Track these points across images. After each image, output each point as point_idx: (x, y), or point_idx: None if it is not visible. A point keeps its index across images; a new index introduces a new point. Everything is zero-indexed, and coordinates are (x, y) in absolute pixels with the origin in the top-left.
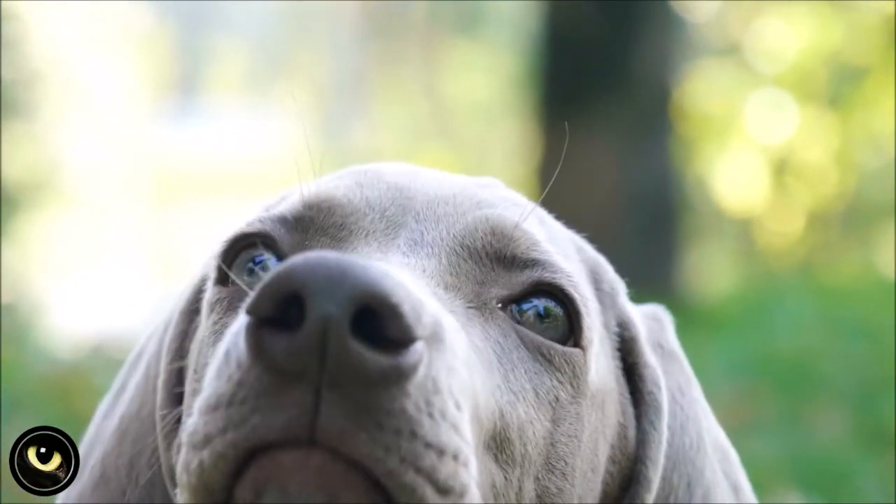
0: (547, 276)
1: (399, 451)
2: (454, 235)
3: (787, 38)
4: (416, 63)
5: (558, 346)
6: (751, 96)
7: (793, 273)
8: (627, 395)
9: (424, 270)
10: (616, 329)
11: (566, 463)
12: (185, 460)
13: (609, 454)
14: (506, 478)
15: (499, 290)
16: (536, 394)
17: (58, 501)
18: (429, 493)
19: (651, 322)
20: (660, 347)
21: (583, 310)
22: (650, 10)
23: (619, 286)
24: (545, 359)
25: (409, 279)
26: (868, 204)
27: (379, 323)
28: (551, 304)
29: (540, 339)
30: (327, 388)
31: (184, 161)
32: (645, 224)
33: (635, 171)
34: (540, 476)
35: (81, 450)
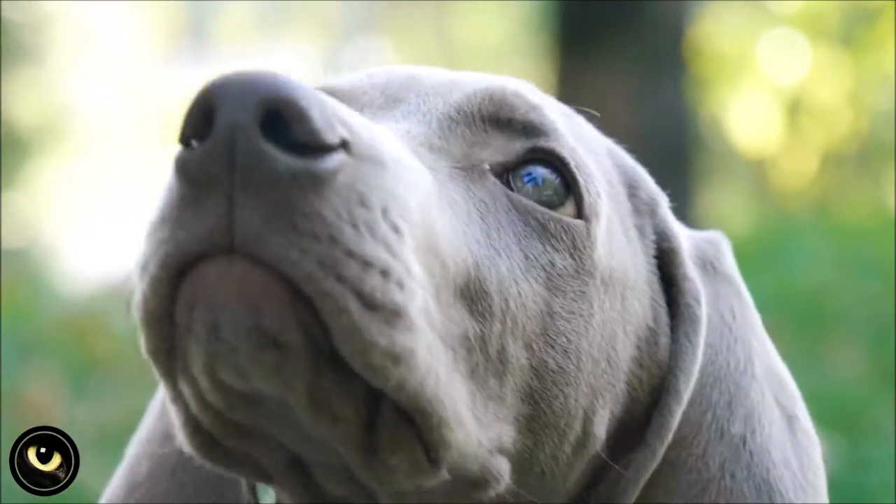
0: (543, 142)
1: (316, 254)
2: (450, 104)
3: None
4: (427, 5)
5: (555, 214)
6: (764, 36)
7: (807, 213)
8: (663, 305)
9: (409, 132)
10: (653, 237)
11: (568, 340)
12: (135, 298)
13: (634, 355)
14: (482, 331)
15: (492, 155)
16: (525, 256)
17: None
18: (352, 304)
19: (705, 244)
20: (711, 268)
21: (582, 179)
22: None
23: (661, 198)
24: (538, 223)
25: (384, 134)
26: (881, 144)
27: (288, 127)
28: (548, 173)
29: (534, 204)
30: (240, 191)
31: None
32: (659, 164)
33: (649, 111)
34: (536, 346)
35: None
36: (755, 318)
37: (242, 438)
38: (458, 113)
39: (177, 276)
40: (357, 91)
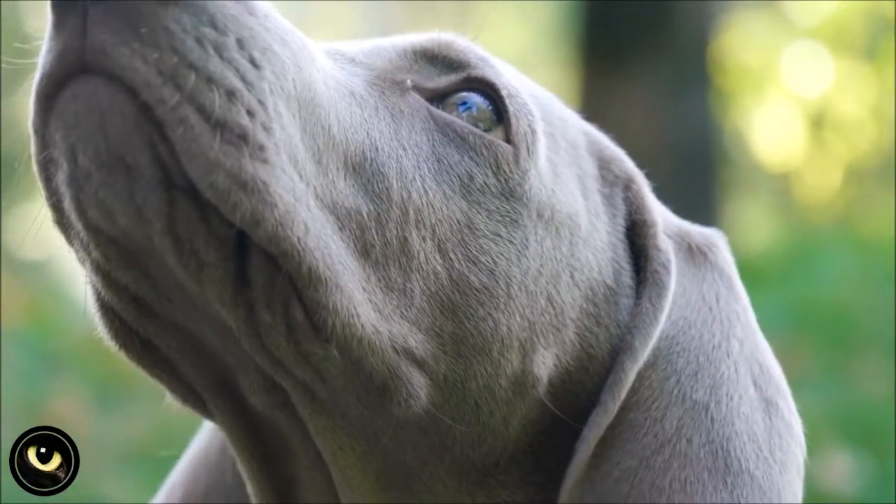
0: (476, 72)
1: (156, 62)
2: (393, 40)
3: None
4: (449, 14)
5: (477, 130)
6: (788, 48)
7: (831, 226)
8: (627, 268)
9: (333, 45)
10: (623, 208)
11: (494, 261)
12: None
13: (585, 307)
14: (378, 212)
15: (420, 80)
16: (438, 160)
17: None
18: (192, 116)
19: (698, 234)
20: (700, 254)
21: (513, 107)
22: None
23: (638, 178)
24: (457, 135)
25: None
26: None
27: None
28: (482, 100)
29: (455, 119)
30: (92, 4)
31: None
32: (684, 176)
33: (674, 123)
34: (454, 256)
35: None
36: (746, 311)
37: (141, 316)
38: (392, 45)
39: (47, 100)
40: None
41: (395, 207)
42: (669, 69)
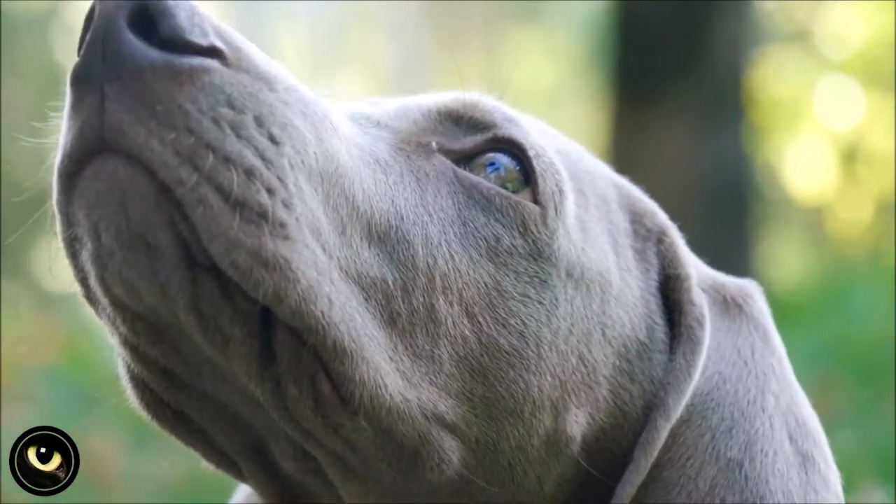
0: (502, 131)
1: (173, 144)
2: (418, 100)
3: (854, 24)
4: (478, 47)
5: (503, 191)
6: (819, 82)
7: (863, 260)
8: (661, 324)
9: (359, 108)
10: (656, 262)
11: (524, 323)
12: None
13: (619, 364)
14: (404, 281)
15: (445, 142)
16: (464, 223)
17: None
18: (211, 196)
19: (733, 286)
20: (735, 306)
21: (540, 167)
22: None
23: (671, 231)
24: (483, 197)
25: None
26: None
27: (155, 23)
28: (509, 161)
29: (480, 180)
30: (108, 82)
31: None
32: (716, 212)
33: (706, 157)
34: (482, 319)
35: None
36: (782, 364)
37: (172, 388)
38: (418, 106)
39: (69, 180)
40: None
41: (421, 275)
42: (702, 103)
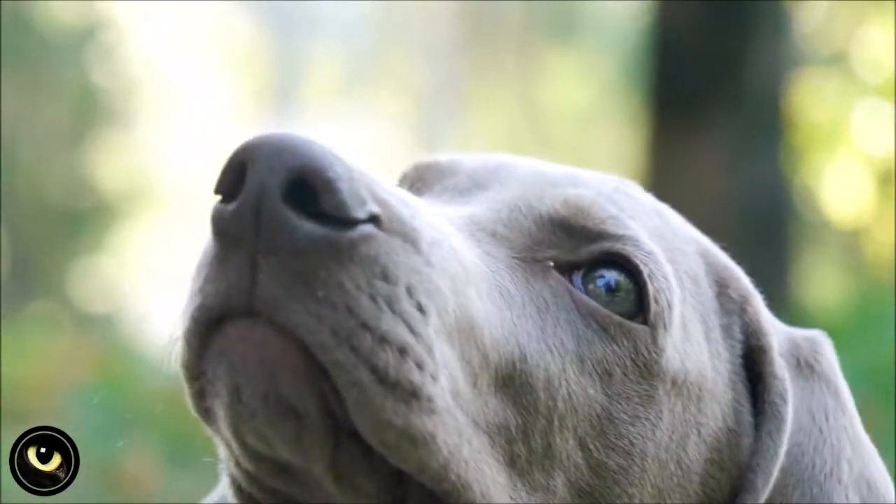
0: (617, 246)
1: (331, 323)
2: (525, 197)
3: (890, 48)
4: (513, 69)
5: (616, 317)
6: (856, 106)
7: None
8: (747, 405)
9: (473, 216)
10: (741, 336)
11: (632, 443)
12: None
13: (711, 457)
14: (525, 424)
15: (558, 254)
16: (581, 359)
17: None
18: (366, 377)
19: (803, 342)
20: (807, 367)
21: (653, 288)
22: (760, 16)
23: (752, 296)
24: (599, 326)
25: (430, 217)
26: None
27: (316, 197)
28: (621, 277)
29: (597, 306)
30: (262, 254)
31: None
32: (753, 234)
33: (744, 179)
34: (593, 447)
35: None
36: (851, 418)
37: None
38: (529, 209)
39: (205, 330)
40: (446, 171)
41: (541, 418)
42: (739, 125)
